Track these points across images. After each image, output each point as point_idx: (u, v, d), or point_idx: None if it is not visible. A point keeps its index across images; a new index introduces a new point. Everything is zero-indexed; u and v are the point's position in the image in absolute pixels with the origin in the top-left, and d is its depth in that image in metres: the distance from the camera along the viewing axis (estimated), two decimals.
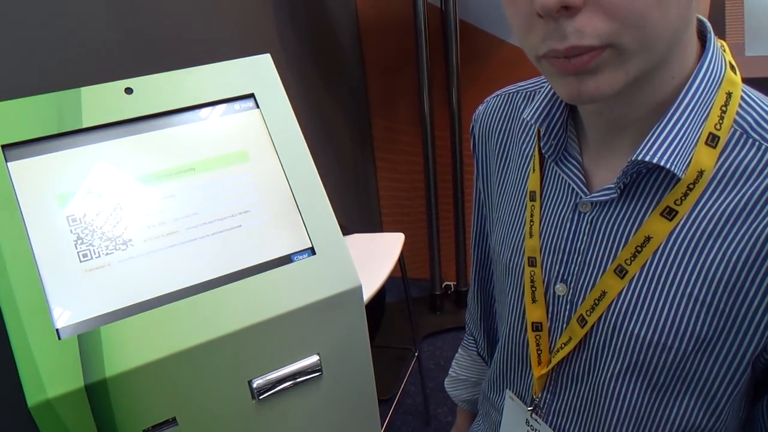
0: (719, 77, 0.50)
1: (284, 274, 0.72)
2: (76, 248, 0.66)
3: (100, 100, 0.71)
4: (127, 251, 0.67)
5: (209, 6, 1.41)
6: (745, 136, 0.49)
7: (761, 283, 0.47)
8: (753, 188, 0.48)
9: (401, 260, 1.81)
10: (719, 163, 0.49)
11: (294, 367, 0.73)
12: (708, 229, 0.49)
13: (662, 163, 0.48)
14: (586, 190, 0.56)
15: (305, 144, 0.78)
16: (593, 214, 0.55)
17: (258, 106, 0.78)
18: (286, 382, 0.73)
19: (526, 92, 0.67)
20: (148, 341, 0.64)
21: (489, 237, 0.75)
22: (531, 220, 0.62)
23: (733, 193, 0.49)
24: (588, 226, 0.56)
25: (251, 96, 0.78)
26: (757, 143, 0.48)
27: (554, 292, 0.59)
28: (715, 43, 0.52)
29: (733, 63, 0.53)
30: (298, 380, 0.74)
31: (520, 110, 0.66)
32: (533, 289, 0.61)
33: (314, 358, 0.75)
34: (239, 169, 0.75)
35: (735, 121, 0.50)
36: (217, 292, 0.69)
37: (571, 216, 0.57)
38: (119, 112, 0.71)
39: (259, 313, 0.70)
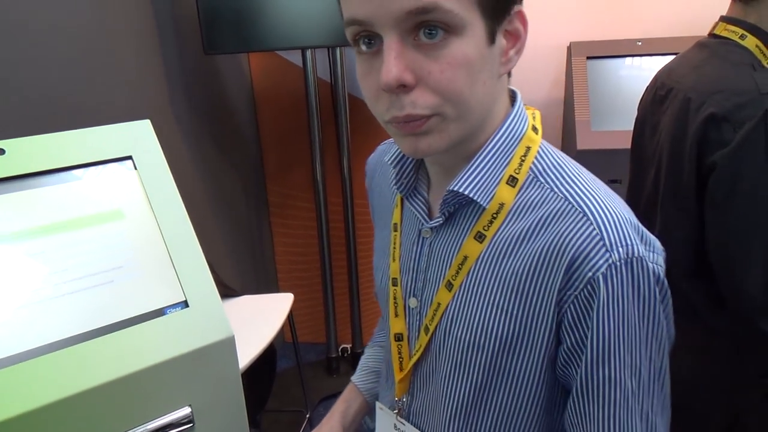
0: (520, 134, 0.64)
1: (156, 327, 0.75)
2: None
3: None
4: None
5: (98, 73, 1.44)
6: (536, 179, 0.63)
7: (540, 291, 0.59)
8: (534, 217, 0.61)
9: (291, 322, 1.83)
10: (517, 198, 0.62)
11: (165, 419, 0.75)
12: (504, 249, 0.62)
13: (468, 194, 0.61)
14: (427, 218, 0.68)
15: (182, 203, 0.83)
16: (430, 238, 0.68)
17: (136, 168, 0.82)
18: None
19: None
20: (13, 395, 0.64)
21: None
22: (394, 247, 0.74)
23: (522, 221, 0.61)
24: (428, 248, 0.68)
25: (129, 158, 0.83)
26: (542, 185, 0.62)
27: (409, 306, 0.71)
28: (522, 110, 0.66)
29: (537, 126, 0.67)
30: None
31: None
32: (395, 305, 0.72)
33: (186, 410, 0.76)
34: (113, 226, 0.78)
35: (531, 168, 0.63)
36: (85, 345, 0.70)
37: (417, 241, 0.70)
38: None
39: (128, 365, 0.71)
